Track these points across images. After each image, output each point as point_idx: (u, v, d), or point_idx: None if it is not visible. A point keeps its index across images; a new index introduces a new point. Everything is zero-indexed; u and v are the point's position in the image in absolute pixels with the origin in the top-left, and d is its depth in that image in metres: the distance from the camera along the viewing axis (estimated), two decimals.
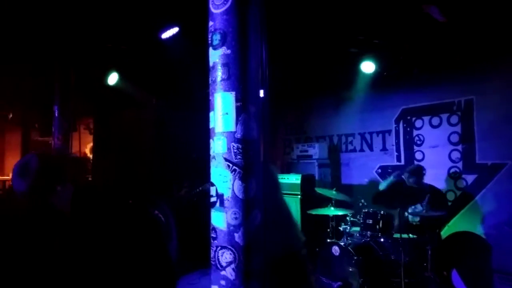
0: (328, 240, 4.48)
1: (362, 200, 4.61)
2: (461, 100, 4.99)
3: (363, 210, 4.46)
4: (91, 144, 7.49)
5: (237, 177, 1.51)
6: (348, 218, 4.57)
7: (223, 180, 1.51)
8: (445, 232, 4.87)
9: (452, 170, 5.05)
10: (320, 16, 3.99)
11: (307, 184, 5.88)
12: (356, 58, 5.06)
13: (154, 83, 5.72)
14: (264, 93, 1.67)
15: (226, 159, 1.52)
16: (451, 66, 4.84)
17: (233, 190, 1.50)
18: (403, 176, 4.60)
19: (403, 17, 3.94)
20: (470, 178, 4.89)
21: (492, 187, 4.67)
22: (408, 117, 5.57)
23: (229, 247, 1.49)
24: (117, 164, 6.16)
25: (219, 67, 1.57)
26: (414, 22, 3.99)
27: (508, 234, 3.96)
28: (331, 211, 4.59)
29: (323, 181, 6.17)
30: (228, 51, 1.55)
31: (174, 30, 4.25)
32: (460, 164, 4.99)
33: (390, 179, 4.73)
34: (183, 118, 5.87)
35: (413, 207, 4.39)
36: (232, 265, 1.47)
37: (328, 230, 4.76)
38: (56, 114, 5.29)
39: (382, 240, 4.28)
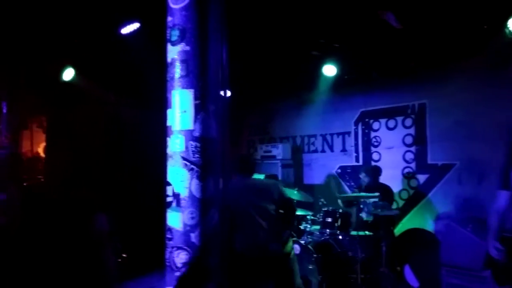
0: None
1: (322, 199, 4.72)
2: (415, 104, 5.26)
3: (323, 209, 4.57)
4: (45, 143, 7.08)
5: (194, 176, 1.48)
6: (308, 217, 4.66)
7: (180, 179, 1.48)
8: (399, 229, 5.11)
9: (406, 170, 5.31)
10: (283, 18, 4.04)
11: None
12: (318, 61, 5.17)
13: (113, 80, 5.51)
14: (225, 92, 1.66)
15: (183, 158, 1.49)
16: (406, 71, 5.08)
17: (190, 189, 1.48)
18: (360, 176, 4.77)
19: (361, 22, 4.09)
20: (422, 178, 5.17)
21: (442, 186, 4.97)
22: (366, 119, 5.78)
23: (185, 247, 1.46)
24: (72, 164, 5.87)
25: (178, 64, 1.54)
26: (371, 28, 4.15)
27: (454, 230, 4.22)
28: None
29: (286, 181, 6.25)
30: (187, 48, 1.52)
31: (135, 25, 4.12)
32: (413, 165, 5.26)
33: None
34: (143, 117, 5.71)
35: (366, 206, 4.57)
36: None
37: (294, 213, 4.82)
38: (4, 111, 4.95)
39: (340, 237, 4.41)
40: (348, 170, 5.95)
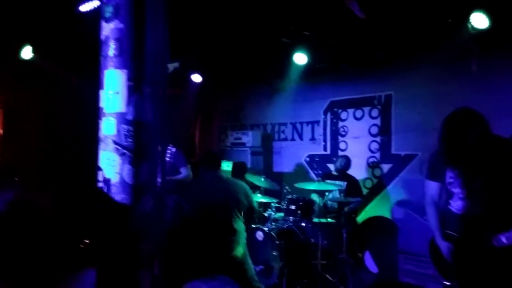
0: (253, 226, 4.56)
1: (287, 187, 4.75)
2: (381, 95, 5.32)
3: (287, 197, 4.60)
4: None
5: (126, 161, 1.42)
6: (273, 204, 4.69)
7: (111, 164, 1.42)
8: (362, 217, 5.23)
9: (371, 159, 5.41)
10: (253, 3, 3.95)
11: (238, 171, 5.90)
12: (289, 49, 5.12)
13: (76, 59, 5.28)
14: (163, 75, 1.59)
15: (115, 142, 1.42)
16: (373, 62, 5.10)
17: (121, 175, 1.42)
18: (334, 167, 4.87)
19: (331, 11, 4.05)
20: (386, 167, 5.28)
21: (404, 175, 5.09)
22: (335, 109, 5.82)
23: None
24: (33, 145, 5.66)
25: (111, 42, 1.46)
26: (341, 17, 4.12)
27: (411, 218, 4.36)
28: (258, 197, 4.68)
29: (255, 169, 6.24)
30: (121, 25, 1.44)
31: (95, 3, 3.93)
32: (378, 154, 5.36)
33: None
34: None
35: (331, 193, 4.64)
36: None
37: (255, 216, 4.85)
38: None
39: (303, 224, 4.46)
40: (316, 159, 6.00)
